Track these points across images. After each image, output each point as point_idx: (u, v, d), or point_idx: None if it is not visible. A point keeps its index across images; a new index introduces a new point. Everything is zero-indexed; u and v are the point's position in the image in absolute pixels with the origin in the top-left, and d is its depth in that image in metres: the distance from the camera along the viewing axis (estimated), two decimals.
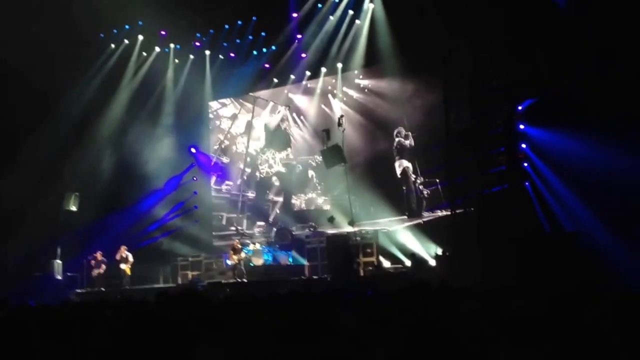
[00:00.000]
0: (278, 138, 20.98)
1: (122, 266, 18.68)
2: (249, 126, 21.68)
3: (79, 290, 18.55)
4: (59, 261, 18.99)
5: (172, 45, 21.66)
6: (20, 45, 17.94)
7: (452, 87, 13.87)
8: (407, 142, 17.72)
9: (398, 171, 17.82)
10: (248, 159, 21.64)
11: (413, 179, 17.73)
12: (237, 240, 18.37)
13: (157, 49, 21.52)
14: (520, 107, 13.10)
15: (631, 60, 11.34)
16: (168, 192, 21.65)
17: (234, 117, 22.14)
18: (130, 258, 18.82)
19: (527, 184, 13.03)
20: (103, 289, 18.28)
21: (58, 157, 19.98)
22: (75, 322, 3.79)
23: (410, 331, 3.28)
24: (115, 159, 21.10)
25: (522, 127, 13.19)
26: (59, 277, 18.83)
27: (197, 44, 21.38)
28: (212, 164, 21.97)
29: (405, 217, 17.62)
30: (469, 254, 12.58)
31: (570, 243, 11.43)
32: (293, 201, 20.35)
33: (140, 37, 21.15)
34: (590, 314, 3.75)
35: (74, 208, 19.59)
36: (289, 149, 20.77)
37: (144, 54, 21.62)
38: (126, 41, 21.29)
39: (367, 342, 3.56)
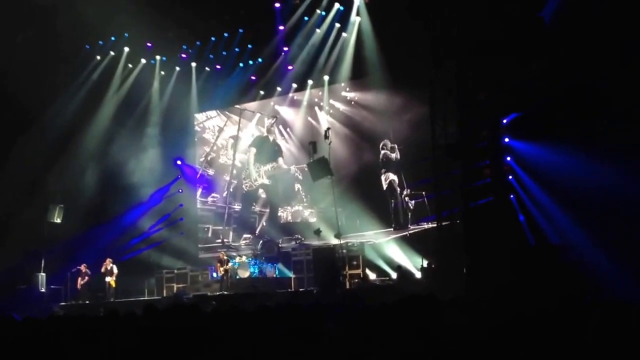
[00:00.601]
0: (266, 150, 20.96)
1: (107, 279, 18.60)
2: (235, 138, 21.67)
3: (63, 303, 18.43)
4: (42, 274, 18.88)
5: (158, 57, 21.61)
6: (5, 57, 17.90)
7: (438, 100, 13.98)
8: (392, 155, 17.82)
9: (384, 184, 17.91)
10: (234, 171, 21.62)
11: (399, 192, 17.81)
12: (223, 252, 18.34)
13: (143, 61, 21.46)
14: (505, 121, 13.19)
15: (614, 73, 11.47)
16: (153, 204, 21.59)
17: (220, 130, 22.12)
18: (115, 270, 18.74)
19: (512, 196, 13.11)
20: (87, 302, 18.19)
21: (42, 169, 19.86)
22: (64, 336, 3.77)
23: (402, 345, 3.30)
24: (100, 171, 20.99)
25: (507, 140, 13.28)
26: (43, 290, 18.73)
27: (184, 55, 21.36)
28: (198, 176, 21.94)
29: (392, 229, 17.69)
30: (454, 266, 12.64)
31: (554, 256, 11.50)
32: (279, 213, 20.35)
33: (126, 49, 21.11)
34: (575, 325, 3.78)
35: (58, 220, 19.51)
36: (279, 159, 20.70)
37: (130, 65, 21.54)
38: (112, 53, 21.23)
39: (357, 355, 3.58)
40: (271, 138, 20.92)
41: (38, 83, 18.42)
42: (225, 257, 17.80)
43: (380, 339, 3.45)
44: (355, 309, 6.25)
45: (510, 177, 13.23)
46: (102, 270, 18.64)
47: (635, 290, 9.97)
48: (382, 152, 17.97)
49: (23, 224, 19.06)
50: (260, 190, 20.99)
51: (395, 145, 17.78)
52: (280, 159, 20.72)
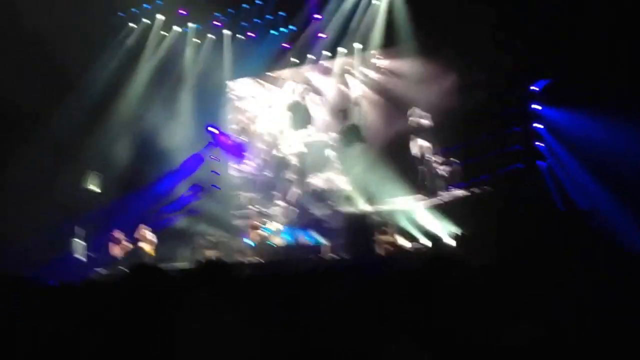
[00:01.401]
0: (301, 116, 21.00)
1: (142, 245, 18.87)
2: (268, 105, 21.78)
3: (99, 270, 18.70)
4: (79, 241, 19.16)
5: (191, 25, 21.75)
6: (43, 18, 18.02)
7: (467, 68, 13.98)
8: (423, 122, 17.79)
9: (414, 150, 17.90)
10: (267, 138, 21.75)
11: (430, 159, 17.82)
12: (257, 219, 18.54)
13: (176, 29, 21.60)
14: (535, 87, 13.17)
15: None
16: (187, 172, 21.78)
17: (252, 97, 22.23)
18: (151, 237, 19.00)
19: (541, 163, 13.13)
20: (125, 269, 18.38)
21: (78, 136, 20.10)
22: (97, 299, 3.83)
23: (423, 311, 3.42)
24: (134, 138, 21.22)
25: (537, 106, 13.27)
26: (80, 257, 19.04)
27: (217, 23, 21.46)
28: (231, 143, 22.06)
29: (423, 196, 17.75)
30: (486, 233, 12.73)
31: (584, 220, 11.54)
32: (312, 180, 20.43)
33: (159, 17, 21.25)
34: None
35: (96, 188, 19.73)
36: (312, 127, 20.78)
37: (163, 33, 21.72)
38: (145, 20, 21.39)
39: (382, 320, 3.70)
40: (304, 105, 20.98)
41: (74, 49, 18.54)
42: (259, 224, 18.00)
43: (405, 304, 3.59)
44: (385, 274, 6.41)
45: (540, 143, 13.24)
46: (136, 236, 18.92)
47: None
48: (411, 119, 17.94)
49: (59, 191, 19.31)
50: (293, 157, 21.06)
51: (427, 114, 17.74)
52: (313, 126, 20.79)
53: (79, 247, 19.00)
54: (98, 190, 19.68)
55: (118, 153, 20.93)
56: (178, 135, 21.12)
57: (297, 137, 21.00)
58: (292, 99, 21.24)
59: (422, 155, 17.85)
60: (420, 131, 17.87)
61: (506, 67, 13.55)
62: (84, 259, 18.99)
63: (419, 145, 17.86)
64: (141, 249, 18.87)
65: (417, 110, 17.82)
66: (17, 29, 17.75)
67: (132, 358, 2.63)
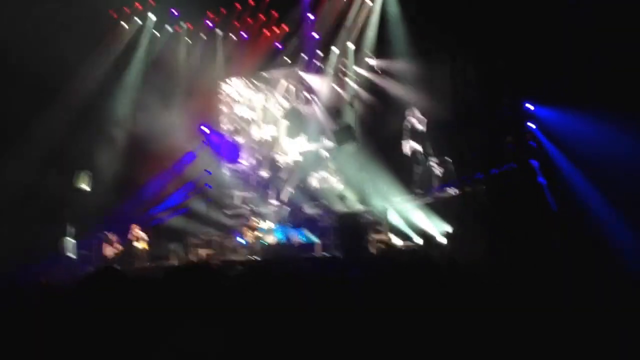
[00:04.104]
0: (296, 122, 20.99)
1: (136, 244, 18.89)
2: (262, 105, 21.80)
3: (91, 269, 18.61)
4: (70, 239, 19.13)
5: (183, 25, 21.75)
6: (29, 24, 17.96)
7: (459, 69, 14.02)
8: (418, 126, 17.83)
9: (405, 149, 17.95)
10: (262, 138, 21.76)
11: (422, 159, 17.87)
12: (254, 219, 18.59)
13: (169, 28, 21.59)
14: (528, 88, 13.23)
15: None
16: (179, 171, 21.80)
17: (246, 98, 22.23)
18: (143, 235, 19.03)
19: (534, 162, 13.17)
20: (117, 267, 18.43)
21: (68, 136, 20.00)
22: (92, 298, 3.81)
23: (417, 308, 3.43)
24: (125, 138, 21.18)
25: (529, 106, 13.32)
26: (72, 256, 18.99)
27: (209, 23, 21.46)
28: (225, 143, 22.08)
29: (416, 195, 17.80)
30: (477, 232, 12.77)
31: (576, 221, 11.60)
32: (306, 180, 20.47)
33: (151, 16, 21.23)
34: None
35: (85, 187, 19.69)
36: (308, 130, 20.78)
37: (155, 33, 21.69)
38: (137, 20, 21.37)
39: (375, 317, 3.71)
40: (299, 107, 21.00)
41: (64, 51, 18.45)
42: (255, 224, 18.06)
43: (396, 302, 3.60)
44: (377, 273, 6.42)
45: (533, 143, 13.29)
46: (129, 237, 18.94)
47: None
48: (408, 118, 17.99)
49: (49, 191, 19.27)
50: (287, 158, 21.07)
51: (424, 118, 17.78)
52: (308, 130, 20.77)
53: (69, 246, 18.96)
54: (88, 188, 19.62)
55: (110, 153, 20.88)
56: (170, 135, 21.09)
57: (293, 146, 20.97)
58: (287, 102, 21.24)
59: (414, 154, 17.90)
60: (413, 133, 17.92)
61: (499, 67, 13.59)
62: (75, 257, 18.94)
63: (410, 145, 17.90)
64: (135, 248, 18.87)
65: (416, 112, 17.85)
66: (2, 29, 17.63)
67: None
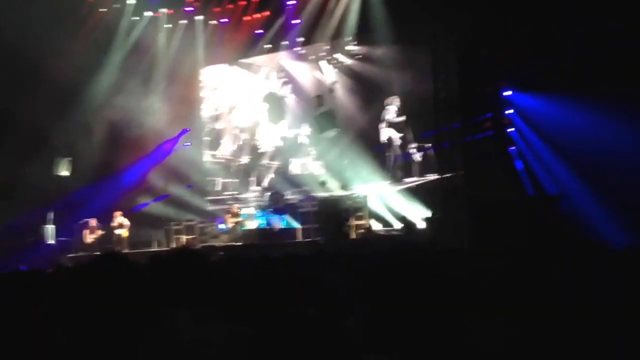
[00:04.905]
0: (277, 107, 20.99)
1: (118, 232, 18.89)
2: (243, 92, 21.77)
3: (71, 255, 18.55)
4: (50, 226, 19.08)
5: (162, 10, 21.60)
6: (7, 10, 17.79)
7: (441, 55, 14.12)
8: (397, 119, 17.97)
9: (383, 137, 18.08)
10: (243, 124, 21.77)
11: (402, 145, 17.98)
12: (236, 205, 18.65)
13: (148, 14, 21.44)
14: (507, 74, 13.35)
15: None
16: (160, 158, 21.77)
17: (227, 84, 22.20)
18: (127, 222, 19.03)
19: (512, 149, 13.33)
20: (97, 253, 18.35)
21: (48, 123, 19.88)
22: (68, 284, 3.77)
23: (397, 294, 3.47)
24: (106, 124, 21.03)
25: (508, 93, 13.46)
26: (51, 242, 18.96)
27: (188, 8, 21.35)
28: (206, 129, 22.09)
29: (396, 181, 17.93)
30: (456, 217, 12.92)
31: (553, 205, 11.77)
32: (287, 166, 20.54)
33: (130, 1, 21.07)
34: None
35: (66, 173, 19.60)
36: (288, 116, 20.84)
37: (135, 18, 21.54)
38: (115, 5, 21.18)
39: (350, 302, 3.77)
40: (280, 94, 20.99)
41: (41, 37, 18.26)
42: (236, 210, 18.12)
43: (377, 288, 3.66)
44: (357, 259, 6.51)
45: (512, 129, 13.44)
46: (113, 224, 18.93)
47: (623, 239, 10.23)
48: (387, 108, 18.13)
49: (30, 177, 19.20)
50: (269, 143, 21.11)
51: (402, 106, 17.94)
52: (289, 116, 20.80)
53: (49, 233, 18.92)
54: (68, 173, 19.52)
55: (90, 139, 20.77)
56: (151, 122, 21.04)
57: (274, 131, 20.99)
58: (268, 88, 21.22)
59: (392, 142, 18.01)
60: (390, 122, 18.03)
61: (480, 54, 13.70)
62: (55, 243, 18.90)
63: (389, 132, 18.01)
64: (115, 235, 18.85)
65: (396, 101, 17.93)
66: None
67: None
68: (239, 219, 17.84)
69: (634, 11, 11.36)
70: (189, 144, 22.12)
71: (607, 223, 10.76)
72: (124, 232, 18.93)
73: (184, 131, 22.03)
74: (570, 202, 11.62)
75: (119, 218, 19.00)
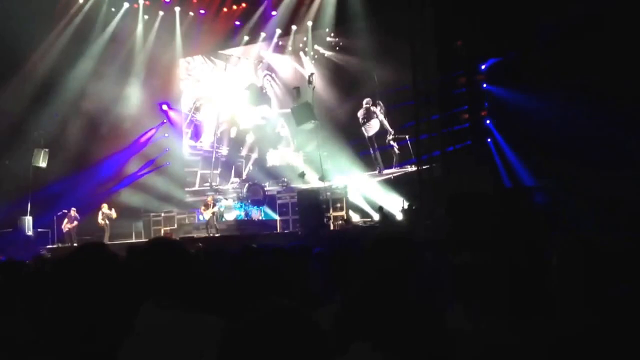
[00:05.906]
0: (256, 94, 20.99)
1: (100, 221, 18.83)
2: (221, 83, 21.78)
3: (50, 246, 18.48)
4: (28, 217, 19.01)
5: (141, 1, 21.51)
6: None
7: (419, 47, 14.22)
8: (374, 119, 18.23)
9: (368, 134, 18.36)
10: (223, 117, 21.79)
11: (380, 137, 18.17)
12: (211, 196, 18.67)
13: (126, 5, 21.33)
14: (483, 67, 13.50)
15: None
16: (139, 149, 21.74)
17: (205, 75, 22.19)
18: (113, 214, 19.02)
19: (489, 140, 13.50)
20: (75, 245, 18.38)
21: (25, 114, 19.79)
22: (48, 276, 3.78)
23: (377, 284, 3.56)
24: (84, 115, 20.94)
25: (484, 85, 13.62)
26: (29, 233, 18.90)
27: (167, 0, 21.30)
28: (185, 120, 22.08)
29: (375, 172, 18.08)
30: (433, 208, 13.07)
31: (527, 197, 11.95)
32: (266, 157, 20.61)
33: None
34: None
35: (43, 164, 19.50)
36: (267, 105, 20.86)
37: (113, 9, 21.42)
38: None
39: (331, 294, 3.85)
40: (259, 84, 21.03)
41: (19, 28, 18.13)
42: (211, 201, 18.14)
43: (359, 279, 3.74)
44: (337, 250, 6.57)
45: (488, 121, 13.60)
46: (100, 216, 18.90)
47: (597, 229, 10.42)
48: (366, 107, 18.37)
49: (7, 169, 19.13)
50: (248, 135, 21.16)
51: (381, 103, 18.15)
52: (268, 105, 20.88)
53: (28, 224, 18.84)
54: (44, 165, 19.41)
55: (68, 131, 20.67)
56: (129, 113, 21.00)
57: (254, 112, 21.01)
58: (246, 78, 21.23)
59: (372, 139, 18.21)
60: (369, 119, 18.26)
61: (458, 49, 13.84)
62: (32, 235, 18.83)
63: (368, 126, 18.19)
64: (101, 225, 18.81)
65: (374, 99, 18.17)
66: None
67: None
68: (214, 210, 17.86)
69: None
70: (167, 135, 22.16)
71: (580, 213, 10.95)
72: (108, 223, 18.88)
73: (162, 123, 22.02)
74: (545, 193, 11.81)
75: (107, 210, 18.90)
